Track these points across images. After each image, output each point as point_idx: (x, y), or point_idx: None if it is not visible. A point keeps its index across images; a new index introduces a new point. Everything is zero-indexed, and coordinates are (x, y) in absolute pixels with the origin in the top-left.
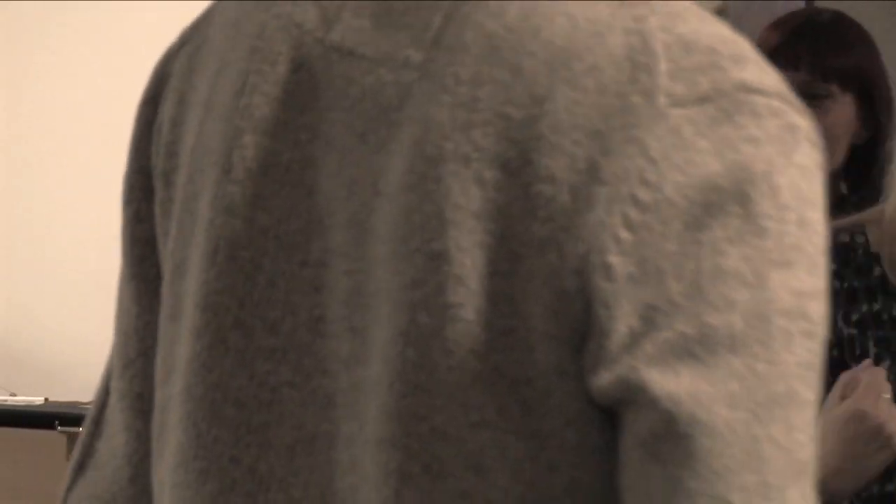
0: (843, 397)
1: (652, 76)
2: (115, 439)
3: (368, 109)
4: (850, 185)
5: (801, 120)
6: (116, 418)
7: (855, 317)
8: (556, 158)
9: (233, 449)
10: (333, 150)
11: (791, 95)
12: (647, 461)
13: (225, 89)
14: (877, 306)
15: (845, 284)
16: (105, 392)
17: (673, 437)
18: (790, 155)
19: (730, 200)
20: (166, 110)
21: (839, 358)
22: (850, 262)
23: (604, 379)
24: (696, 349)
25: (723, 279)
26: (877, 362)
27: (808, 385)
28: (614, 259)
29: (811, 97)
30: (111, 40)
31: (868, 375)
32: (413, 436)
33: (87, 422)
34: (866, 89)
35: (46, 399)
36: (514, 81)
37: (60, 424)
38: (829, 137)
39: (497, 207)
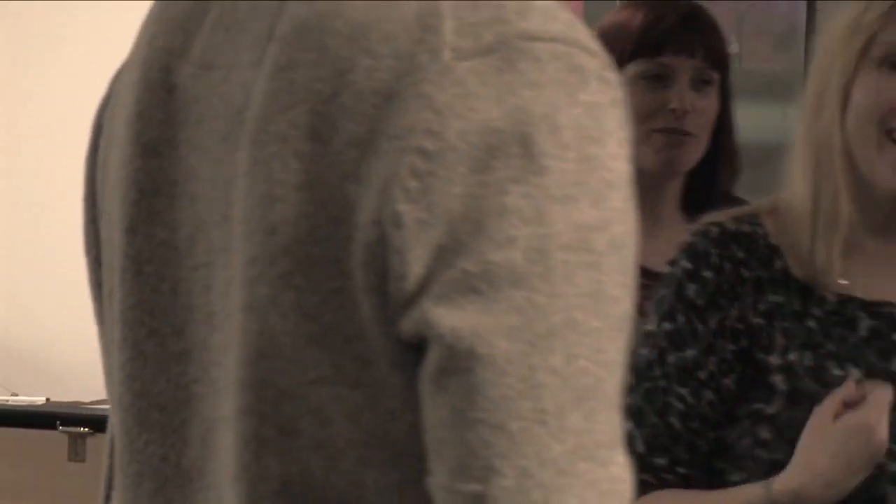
0: (837, 413)
1: (438, 35)
2: None
3: (226, 114)
4: (696, 172)
5: (590, 60)
6: None
7: (762, 307)
8: (359, 123)
9: (161, 449)
10: (206, 157)
11: (580, 39)
12: (436, 394)
13: (124, 124)
14: (781, 298)
15: (752, 273)
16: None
17: (456, 370)
18: (574, 95)
19: (511, 143)
20: (100, 157)
21: (748, 348)
22: (753, 251)
23: (406, 321)
24: (479, 285)
25: (504, 217)
26: (783, 353)
27: (593, 314)
28: (403, 207)
29: (703, 83)
30: (112, 41)
31: (878, 394)
32: (263, 401)
33: (107, 452)
34: (724, 78)
35: (48, 399)
36: (321, 60)
37: (62, 424)
38: (708, 123)
39: (315, 177)
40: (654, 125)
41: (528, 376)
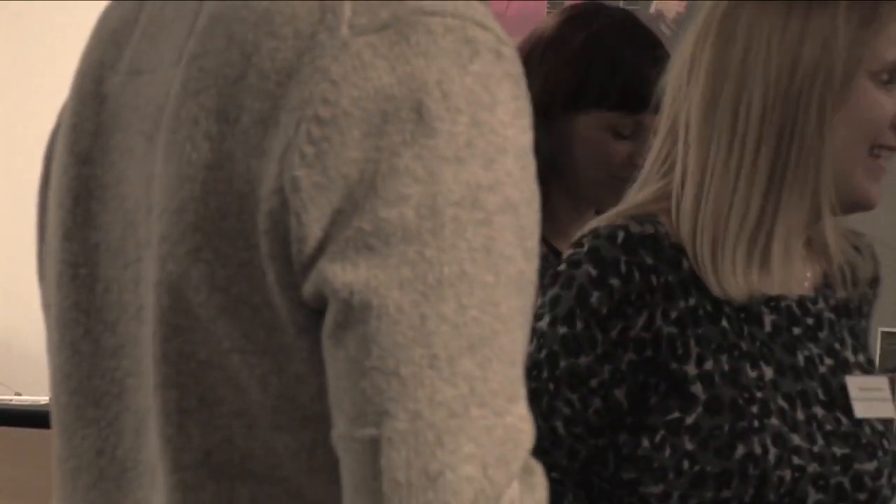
0: None
1: (337, 14)
2: None
3: (150, 113)
4: None
5: (482, 34)
6: None
7: (674, 314)
8: (263, 101)
9: (97, 443)
10: (134, 158)
11: (474, 15)
12: (334, 349)
13: (62, 139)
14: (692, 301)
15: (661, 279)
16: None
17: (351, 322)
18: (466, 65)
19: (404, 108)
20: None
21: (652, 357)
22: (660, 255)
23: (308, 284)
24: (372, 242)
25: (397, 177)
26: (699, 363)
27: (484, 268)
28: (300, 172)
29: (642, 131)
30: None
31: None
32: (184, 374)
33: None
34: None
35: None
36: (228, 46)
37: None
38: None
39: (223, 156)
40: (616, 173)
41: (419, 324)
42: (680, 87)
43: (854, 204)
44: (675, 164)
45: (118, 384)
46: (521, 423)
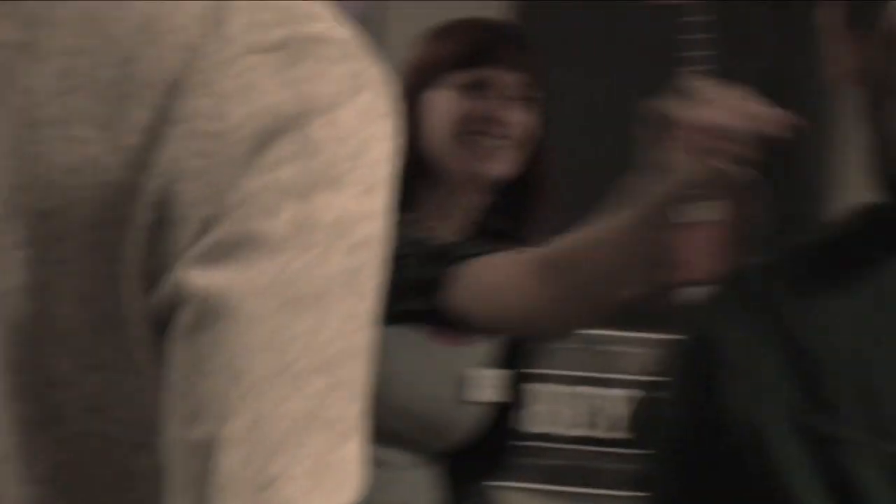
0: None
1: (226, 28)
2: None
3: None
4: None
5: (371, 68)
6: None
7: None
8: (143, 110)
9: None
10: None
11: (362, 48)
12: (182, 351)
13: None
14: None
15: None
16: None
17: (204, 324)
18: (353, 96)
19: (291, 126)
20: None
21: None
22: None
23: (159, 293)
24: (235, 251)
25: (271, 192)
26: None
27: (350, 291)
28: (183, 186)
29: (531, 99)
30: None
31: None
32: (32, 385)
33: None
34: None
35: None
36: (105, 47)
37: None
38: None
39: (92, 162)
40: (464, 130)
41: (274, 334)
42: None
43: None
44: None
45: None
46: (355, 461)
